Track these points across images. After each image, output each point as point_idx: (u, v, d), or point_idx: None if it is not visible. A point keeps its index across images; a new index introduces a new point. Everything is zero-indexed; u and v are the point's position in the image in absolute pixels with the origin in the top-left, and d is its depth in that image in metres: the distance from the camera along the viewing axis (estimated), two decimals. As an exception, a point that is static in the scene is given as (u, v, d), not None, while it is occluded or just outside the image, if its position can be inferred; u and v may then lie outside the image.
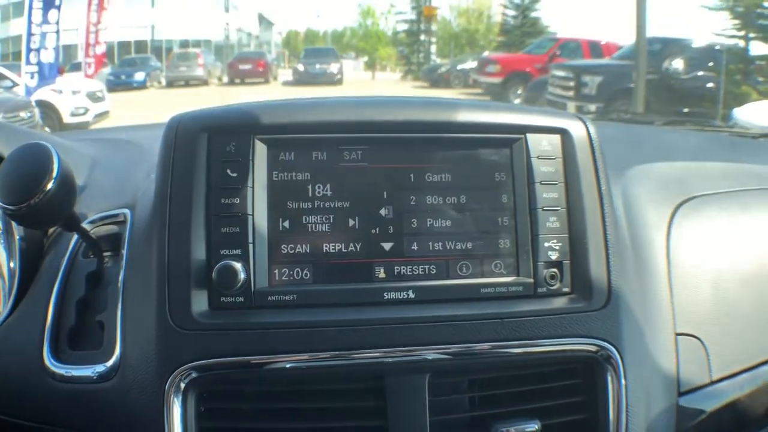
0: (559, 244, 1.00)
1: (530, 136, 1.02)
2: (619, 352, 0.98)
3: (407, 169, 0.98)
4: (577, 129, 1.05)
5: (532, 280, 0.99)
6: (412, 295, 0.96)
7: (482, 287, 0.98)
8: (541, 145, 1.02)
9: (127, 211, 1.13)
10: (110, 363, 0.98)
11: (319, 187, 0.96)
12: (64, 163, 0.95)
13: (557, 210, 1.01)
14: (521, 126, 1.02)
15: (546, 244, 0.99)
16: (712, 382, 1.12)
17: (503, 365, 0.98)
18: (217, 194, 0.94)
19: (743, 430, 1.17)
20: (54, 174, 0.92)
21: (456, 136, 1.00)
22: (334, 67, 27.44)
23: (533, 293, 0.99)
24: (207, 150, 0.96)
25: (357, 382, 0.96)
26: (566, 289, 1.00)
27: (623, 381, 0.98)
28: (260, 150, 0.96)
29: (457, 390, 0.98)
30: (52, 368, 1.00)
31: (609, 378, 0.98)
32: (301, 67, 28.02)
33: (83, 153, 1.39)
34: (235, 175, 0.95)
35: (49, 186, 0.91)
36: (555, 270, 0.99)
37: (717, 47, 13.84)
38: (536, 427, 0.95)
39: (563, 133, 1.04)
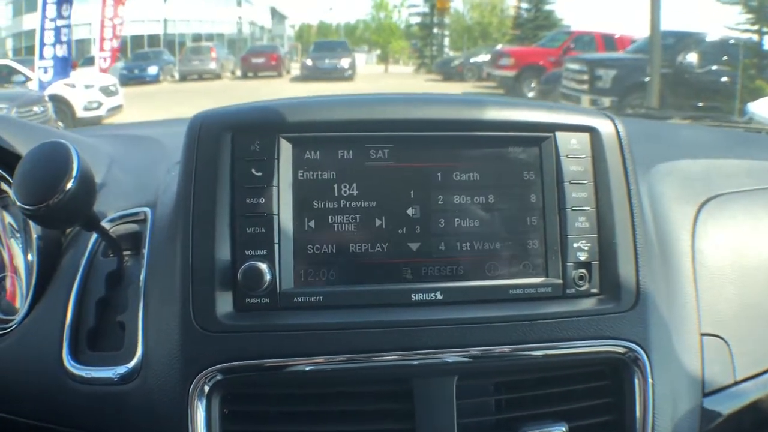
0: (588, 244, 0.98)
1: (559, 135, 1.00)
2: (646, 354, 0.97)
3: (434, 168, 0.97)
4: (606, 128, 1.03)
5: (561, 281, 0.97)
6: (440, 297, 0.94)
7: (511, 288, 0.96)
8: (570, 143, 1.01)
9: (147, 209, 1.11)
10: (132, 364, 0.97)
11: (345, 187, 0.95)
12: (84, 161, 0.93)
13: (586, 210, 0.99)
14: (550, 124, 1.01)
15: (575, 245, 0.98)
16: (736, 383, 1.10)
17: (531, 367, 0.96)
18: (242, 194, 0.93)
19: (765, 431, 1.15)
20: (74, 173, 0.91)
21: (484, 134, 0.99)
22: (344, 62, 26.62)
23: (562, 294, 0.97)
24: (231, 149, 0.95)
25: (384, 384, 0.94)
26: (595, 290, 0.98)
27: (650, 383, 0.97)
28: (285, 149, 0.95)
29: (484, 392, 0.97)
30: (72, 370, 0.98)
31: (636, 380, 0.97)
32: (309, 62, 27.39)
33: (101, 150, 1.37)
34: (260, 174, 0.93)
35: (69, 186, 0.90)
36: (584, 271, 0.98)
37: (731, 41, 13.79)
38: (563, 429, 0.94)
39: (592, 131, 1.02)
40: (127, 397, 0.96)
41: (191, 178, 0.94)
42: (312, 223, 0.94)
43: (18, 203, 0.91)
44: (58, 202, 0.89)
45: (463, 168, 0.97)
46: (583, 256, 0.98)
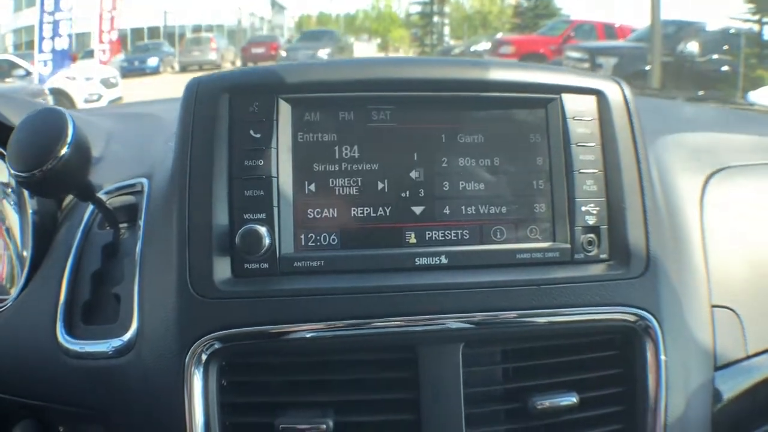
0: (597, 208, 0.96)
1: (565, 97, 0.97)
2: (658, 323, 0.94)
3: (438, 129, 0.94)
4: (612, 91, 1.00)
5: (569, 246, 0.95)
6: (444, 261, 0.92)
7: (518, 253, 0.93)
8: (577, 105, 0.98)
9: (144, 180, 1.09)
10: (127, 337, 0.94)
11: (346, 149, 0.92)
12: (79, 128, 0.91)
13: (594, 173, 0.96)
14: (556, 86, 0.98)
15: (583, 209, 0.95)
16: (748, 357, 1.08)
17: (539, 335, 0.94)
18: (240, 156, 0.90)
19: None
20: (68, 139, 0.89)
21: (489, 95, 0.96)
22: (322, 53, 25.11)
23: (570, 259, 0.94)
24: (229, 110, 0.92)
25: (388, 352, 0.91)
26: (604, 256, 0.96)
27: (662, 353, 0.94)
28: (284, 110, 0.92)
29: (491, 361, 0.94)
30: (66, 344, 0.96)
31: (648, 349, 0.94)
32: (283, 54, 26.54)
33: (99, 126, 1.35)
34: (258, 136, 0.90)
35: (63, 151, 0.88)
36: (592, 235, 0.95)
37: (732, 31, 13.82)
38: (574, 400, 0.91)
39: (599, 94, 0.99)
40: (123, 371, 0.93)
41: (188, 141, 0.92)
42: (312, 186, 0.91)
43: (12, 171, 0.89)
44: (51, 168, 0.87)
45: (468, 130, 0.94)
46: (591, 220, 0.95)
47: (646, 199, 0.97)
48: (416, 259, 0.92)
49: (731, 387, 1.05)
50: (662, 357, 0.93)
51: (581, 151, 0.96)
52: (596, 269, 0.94)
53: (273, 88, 0.93)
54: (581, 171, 0.96)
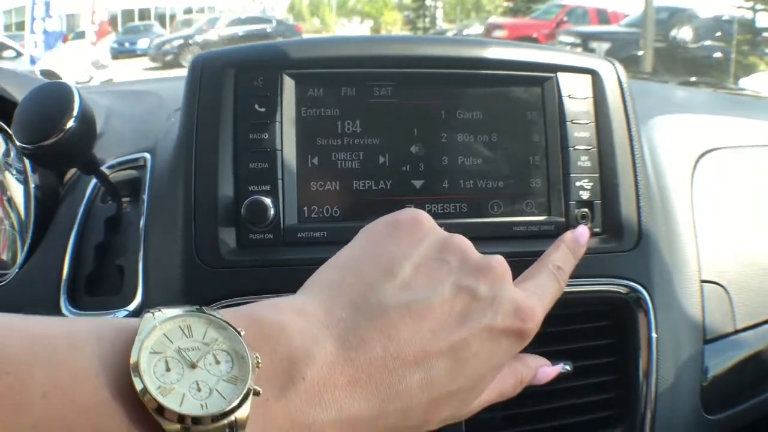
0: (591, 183, 0.98)
1: (561, 76, 1.00)
2: (649, 294, 0.97)
3: (438, 106, 0.96)
4: (607, 71, 1.03)
5: (563, 220, 0.97)
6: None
7: (514, 225, 0.96)
8: (572, 84, 1.00)
9: (147, 155, 1.10)
10: (132, 306, 0.95)
11: (348, 124, 0.94)
12: (85, 100, 0.93)
13: (588, 149, 0.99)
14: (552, 65, 1.00)
15: (577, 184, 0.98)
16: (737, 331, 1.11)
17: None
18: (245, 129, 0.92)
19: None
20: (75, 112, 0.90)
21: (487, 73, 0.98)
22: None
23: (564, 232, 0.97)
24: (234, 86, 0.94)
25: None
26: (597, 230, 0.99)
27: (653, 324, 0.97)
28: (288, 85, 0.94)
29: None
30: (70, 316, 0.97)
31: (639, 320, 0.97)
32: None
33: (98, 102, 1.35)
34: (263, 110, 0.92)
35: (70, 124, 0.89)
36: (586, 210, 0.98)
37: (725, 18, 13.81)
38: (568, 368, 0.93)
39: (594, 73, 1.02)
40: None
41: (194, 115, 0.93)
42: (315, 160, 0.93)
43: (18, 143, 0.90)
44: (58, 140, 0.88)
45: (466, 106, 0.96)
46: (585, 195, 0.98)
47: (638, 175, 0.99)
48: None
49: (720, 361, 1.09)
50: (653, 335, 0.96)
51: (576, 129, 0.99)
52: (590, 242, 0.96)
53: (277, 63, 0.95)
54: (576, 147, 0.98)
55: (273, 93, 0.93)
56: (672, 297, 1.03)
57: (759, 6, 13.85)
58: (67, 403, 0.37)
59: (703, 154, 1.22)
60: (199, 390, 0.41)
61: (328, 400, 0.46)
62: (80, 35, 17.52)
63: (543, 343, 0.96)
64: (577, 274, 0.93)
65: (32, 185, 1.10)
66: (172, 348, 0.42)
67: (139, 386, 0.39)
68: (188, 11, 36.92)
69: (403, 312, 0.53)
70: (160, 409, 0.39)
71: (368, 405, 0.48)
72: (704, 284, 1.09)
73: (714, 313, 1.09)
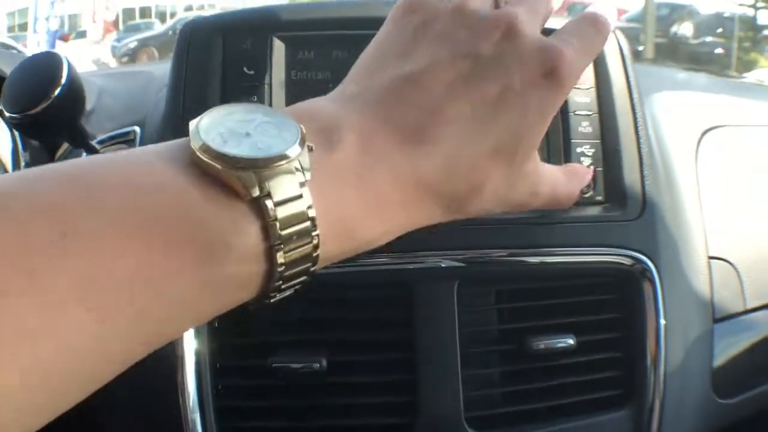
0: (592, 150, 0.95)
1: None
2: (655, 267, 0.93)
3: None
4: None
5: None
6: None
7: None
8: None
9: (136, 128, 1.08)
10: None
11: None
12: (74, 70, 0.91)
13: (589, 115, 0.95)
14: (549, 29, 0.97)
15: (578, 150, 0.94)
16: (747, 311, 1.08)
17: (534, 275, 0.93)
18: (233, 92, 0.89)
19: None
20: (62, 81, 0.89)
21: None
22: None
23: None
24: (222, 51, 0.91)
25: (381, 289, 0.91)
26: (599, 198, 0.95)
27: (660, 297, 0.93)
28: (278, 48, 0.91)
29: (486, 302, 0.93)
30: None
31: (645, 293, 0.93)
32: None
33: (91, 81, 1.34)
34: (252, 72, 0.89)
35: (57, 92, 0.88)
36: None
37: (726, 14, 13.86)
38: (571, 342, 0.90)
39: None
40: None
41: (181, 81, 0.91)
42: None
43: (5, 113, 0.89)
44: (45, 108, 0.87)
45: None
46: (586, 162, 0.94)
47: (641, 142, 0.96)
48: None
49: (731, 342, 1.05)
50: (660, 297, 0.93)
51: (576, 94, 0.95)
52: (592, 210, 0.93)
53: (266, 26, 0.92)
54: (576, 113, 0.95)
55: (262, 56, 0.90)
56: (679, 271, 0.98)
57: (760, 3, 13.87)
58: (144, 188, 0.40)
59: (707, 131, 1.19)
60: (259, 148, 0.43)
61: (368, 153, 0.49)
62: (82, 34, 17.60)
63: (545, 316, 0.93)
64: (579, 242, 0.90)
65: (23, 163, 1.08)
66: (224, 126, 0.44)
67: (206, 151, 0.42)
68: (189, 9, 36.97)
69: (416, 77, 0.55)
70: (230, 161, 0.42)
71: (408, 156, 0.51)
72: (712, 261, 1.05)
73: (722, 291, 1.05)
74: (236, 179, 0.41)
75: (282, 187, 0.42)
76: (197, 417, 0.87)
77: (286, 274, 0.45)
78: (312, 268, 0.47)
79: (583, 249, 0.91)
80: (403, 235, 0.87)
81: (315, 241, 0.45)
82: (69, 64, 0.91)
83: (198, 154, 0.42)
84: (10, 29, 30.38)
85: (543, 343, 0.90)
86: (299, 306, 0.90)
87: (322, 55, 0.92)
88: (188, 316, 0.42)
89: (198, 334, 0.87)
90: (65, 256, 0.35)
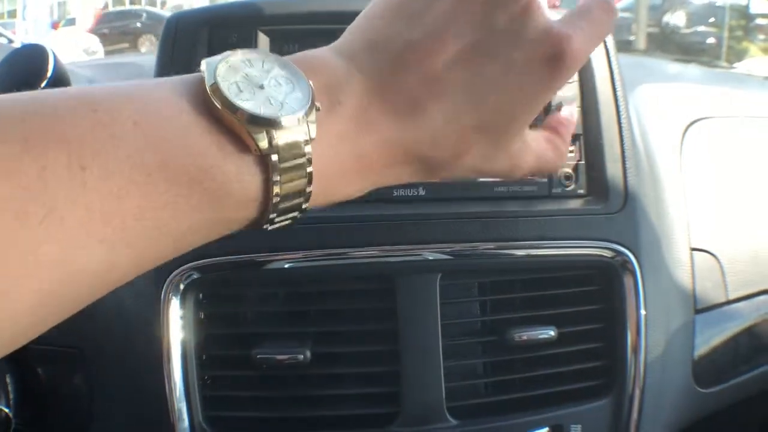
0: (575, 143, 0.95)
1: None
2: (636, 259, 0.94)
3: None
4: None
5: (546, 180, 0.95)
6: (422, 192, 0.92)
7: (496, 186, 0.93)
8: None
9: None
10: None
11: None
12: (60, 63, 0.91)
13: (571, 108, 0.96)
14: None
15: None
16: (729, 302, 1.08)
17: (517, 267, 0.94)
18: None
19: (762, 356, 1.14)
20: (48, 74, 0.89)
21: None
22: None
23: (548, 194, 0.94)
24: (208, 44, 0.92)
25: (365, 282, 0.91)
26: (582, 191, 0.96)
27: (641, 288, 0.94)
28: (263, 42, 0.92)
29: (468, 294, 0.94)
30: None
31: (626, 285, 0.94)
32: None
33: (79, 74, 1.34)
34: None
35: (43, 86, 0.88)
36: (569, 170, 0.95)
37: (718, 3, 13.82)
38: (552, 333, 0.91)
39: None
40: (97, 304, 0.93)
41: (167, 74, 0.90)
42: None
43: None
44: None
45: None
46: (568, 155, 0.95)
47: (623, 135, 0.96)
48: (393, 191, 0.92)
49: (712, 332, 1.06)
50: (641, 289, 0.94)
51: None
52: (574, 204, 0.94)
53: (252, 20, 0.93)
54: (558, 106, 0.95)
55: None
56: (660, 263, 0.99)
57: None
58: (158, 128, 0.41)
59: (692, 123, 1.19)
60: (271, 104, 0.45)
61: (362, 123, 0.50)
62: (71, 22, 17.48)
63: (527, 308, 0.94)
64: (562, 235, 0.91)
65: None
66: (240, 74, 0.46)
67: (222, 101, 0.43)
68: (179, -3, 36.87)
69: (421, 44, 0.54)
70: (245, 115, 0.43)
71: (399, 129, 0.52)
72: (694, 252, 1.06)
73: (705, 282, 1.06)
74: (247, 134, 0.43)
75: (289, 146, 0.44)
76: (183, 406, 0.88)
77: (281, 206, 0.47)
78: (304, 205, 0.49)
79: (564, 242, 0.92)
80: (388, 229, 0.89)
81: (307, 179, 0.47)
82: (55, 57, 0.90)
83: (213, 100, 0.43)
84: (-1, 16, 30.26)
85: (525, 335, 0.91)
86: (284, 298, 0.91)
87: (307, 48, 0.91)
88: (183, 246, 0.45)
89: (185, 325, 0.88)
90: (84, 191, 0.37)
